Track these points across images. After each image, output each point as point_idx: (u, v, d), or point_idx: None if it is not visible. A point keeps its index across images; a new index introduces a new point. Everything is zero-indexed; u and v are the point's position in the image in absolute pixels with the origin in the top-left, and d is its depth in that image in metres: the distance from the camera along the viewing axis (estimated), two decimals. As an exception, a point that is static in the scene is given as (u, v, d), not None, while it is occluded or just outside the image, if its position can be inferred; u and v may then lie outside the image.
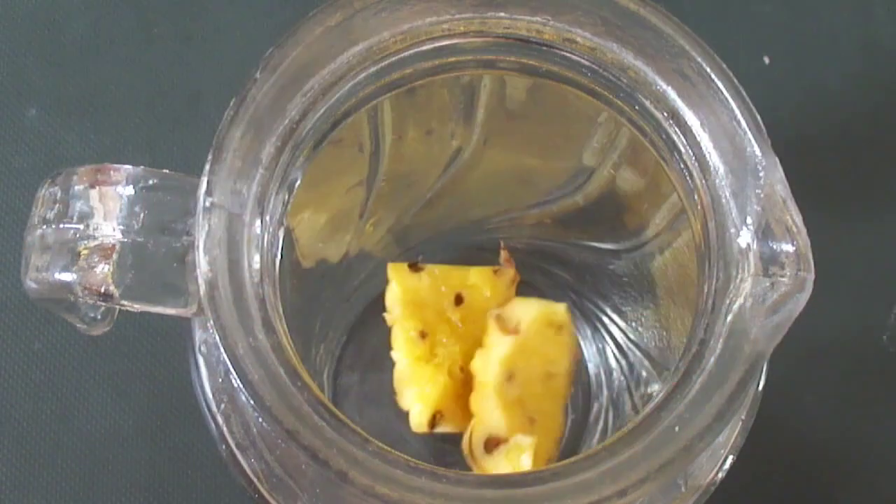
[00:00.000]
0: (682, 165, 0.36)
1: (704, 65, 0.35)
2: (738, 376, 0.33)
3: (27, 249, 0.35)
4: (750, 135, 0.34)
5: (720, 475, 0.38)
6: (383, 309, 0.45)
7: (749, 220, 0.34)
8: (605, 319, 0.51)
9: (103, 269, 0.34)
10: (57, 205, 0.35)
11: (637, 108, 0.36)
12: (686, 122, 0.35)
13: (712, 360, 0.33)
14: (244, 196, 0.34)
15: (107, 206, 0.34)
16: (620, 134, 0.42)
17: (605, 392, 0.51)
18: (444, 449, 0.48)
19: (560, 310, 0.44)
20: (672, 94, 0.35)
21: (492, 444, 0.43)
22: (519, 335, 0.43)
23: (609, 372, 0.51)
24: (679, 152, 0.36)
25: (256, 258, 0.34)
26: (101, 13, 0.59)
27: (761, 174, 0.34)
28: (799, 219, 0.33)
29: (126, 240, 0.34)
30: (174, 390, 0.54)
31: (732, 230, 0.34)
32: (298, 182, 0.36)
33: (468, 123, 0.45)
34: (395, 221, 0.49)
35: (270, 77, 0.35)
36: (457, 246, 0.46)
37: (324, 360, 0.49)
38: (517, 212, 0.50)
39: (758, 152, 0.34)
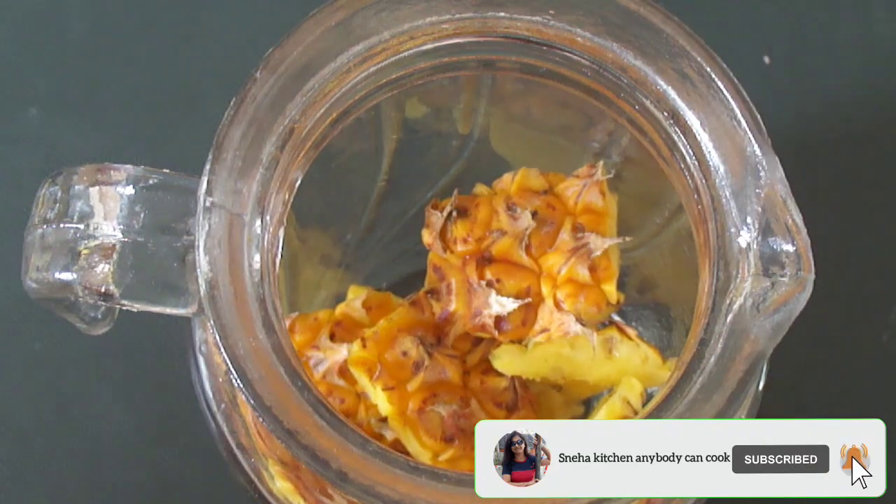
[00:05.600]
0: (683, 165, 0.36)
1: (704, 65, 0.35)
2: (738, 376, 0.33)
3: (27, 249, 0.35)
4: (750, 134, 0.34)
5: (720, 475, 0.38)
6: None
7: (749, 220, 0.34)
8: (606, 319, 0.51)
9: (103, 269, 0.34)
10: (57, 204, 0.35)
11: (637, 108, 0.36)
12: (686, 122, 0.35)
13: (712, 359, 0.33)
14: (244, 196, 0.34)
15: (107, 206, 0.34)
16: (620, 134, 0.42)
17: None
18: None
19: None
20: (672, 93, 0.35)
21: None
22: None
23: (609, 372, 0.51)
24: (679, 152, 0.36)
25: (256, 258, 0.34)
26: (101, 13, 0.59)
27: (762, 174, 0.34)
28: (799, 219, 0.33)
29: (126, 239, 0.34)
30: (174, 390, 0.54)
31: (733, 230, 0.34)
32: (299, 182, 0.36)
33: (468, 124, 0.45)
34: (395, 220, 0.49)
35: (270, 77, 0.35)
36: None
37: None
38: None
39: (758, 152, 0.34)
